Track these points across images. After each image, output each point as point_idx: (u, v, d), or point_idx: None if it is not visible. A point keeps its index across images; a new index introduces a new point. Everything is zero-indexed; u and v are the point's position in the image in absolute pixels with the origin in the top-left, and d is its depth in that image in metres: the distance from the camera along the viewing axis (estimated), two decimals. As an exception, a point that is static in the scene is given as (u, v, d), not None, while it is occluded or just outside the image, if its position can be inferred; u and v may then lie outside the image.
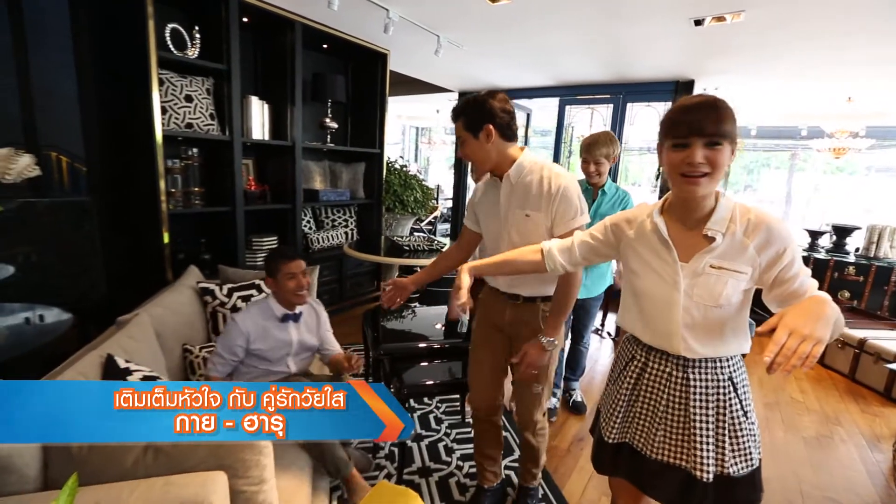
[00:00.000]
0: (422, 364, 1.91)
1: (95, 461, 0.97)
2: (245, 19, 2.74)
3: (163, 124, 2.25)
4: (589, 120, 5.01)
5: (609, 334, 3.65)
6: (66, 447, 0.95)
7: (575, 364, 2.47)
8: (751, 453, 1.00)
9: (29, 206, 2.01)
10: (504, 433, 1.87)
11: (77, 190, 2.26)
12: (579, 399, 2.46)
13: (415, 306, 2.55)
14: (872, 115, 5.00)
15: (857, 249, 4.02)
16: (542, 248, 1.19)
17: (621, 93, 4.25)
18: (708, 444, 0.98)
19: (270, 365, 1.70)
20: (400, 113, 8.46)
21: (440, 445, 2.04)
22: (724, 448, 0.98)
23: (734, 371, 1.00)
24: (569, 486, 1.86)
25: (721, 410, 0.98)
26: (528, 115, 5.50)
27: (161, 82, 2.31)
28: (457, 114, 1.36)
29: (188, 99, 2.45)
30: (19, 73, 2.01)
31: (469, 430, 2.16)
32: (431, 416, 2.26)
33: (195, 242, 2.70)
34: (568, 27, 2.83)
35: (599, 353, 3.31)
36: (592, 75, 4.08)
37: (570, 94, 4.60)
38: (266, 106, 2.91)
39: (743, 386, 1.01)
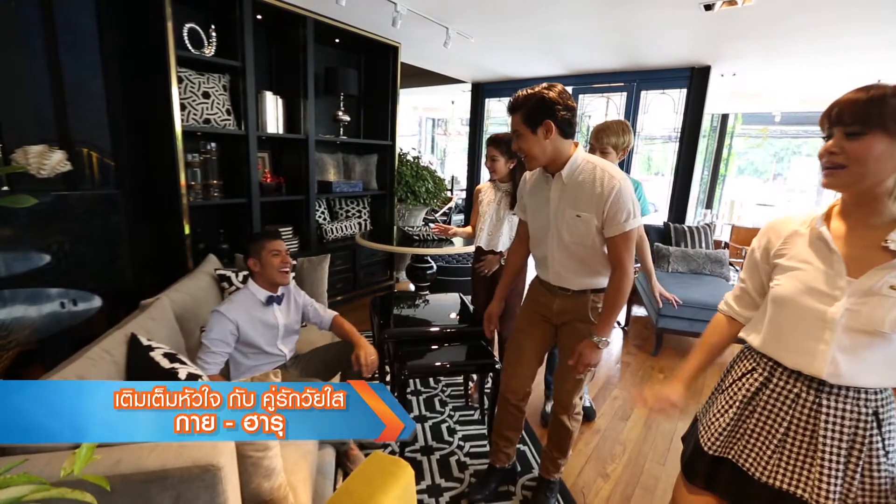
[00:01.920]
0: (425, 348, 1.98)
1: (118, 425, 1.07)
2: (259, 17, 2.84)
3: (182, 120, 2.37)
4: (604, 108, 4.95)
5: (619, 324, 3.66)
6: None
7: None
8: (887, 497, 0.89)
9: (62, 199, 2.16)
10: (523, 447, 1.94)
11: (106, 183, 2.41)
12: (588, 404, 2.33)
13: (426, 295, 2.62)
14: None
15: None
16: (723, 311, 1.12)
17: (635, 80, 4.20)
18: (835, 476, 0.88)
19: (263, 351, 1.73)
20: (416, 105, 8.52)
21: (443, 426, 2.12)
22: (853, 484, 0.88)
23: (881, 405, 0.88)
24: (589, 499, 1.78)
25: (857, 445, 0.88)
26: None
27: (180, 80, 2.43)
28: (515, 107, 1.32)
29: (206, 95, 2.57)
30: (51, 72, 2.16)
31: (472, 413, 2.24)
32: (436, 399, 2.34)
33: (214, 233, 2.84)
34: (575, 15, 2.82)
35: (613, 346, 3.32)
36: (604, 63, 4.05)
37: (583, 82, 4.57)
38: (280, 100, 3.02)
39: (889, 422, 0.89)
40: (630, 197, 1.30)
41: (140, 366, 1.33)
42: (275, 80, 3.19)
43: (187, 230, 2.47)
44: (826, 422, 0.89)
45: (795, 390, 0.93)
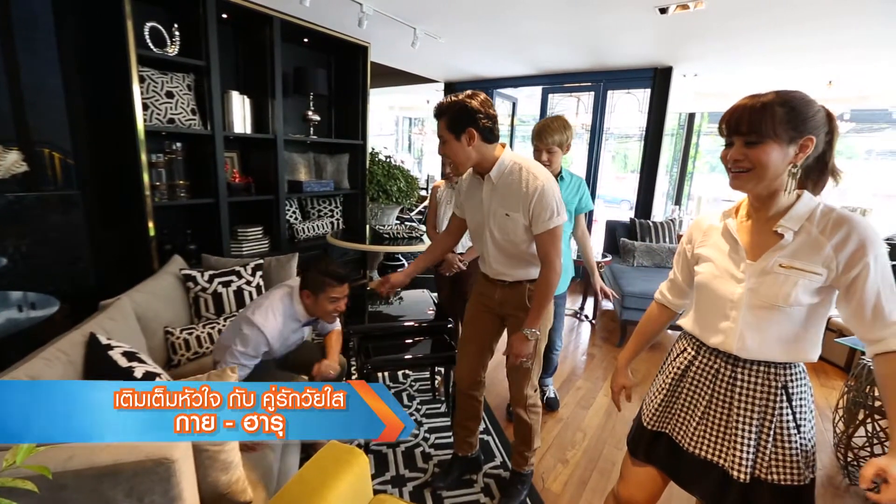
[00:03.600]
0: (389, 343, 2.02)
1: (71, 422, 1.09)
2: (224, 16, 2.82)
3: (145, 120, 2.35)
4: (575, 108, 5.07)
5: (586, 317, 3.77)
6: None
7: (547, 365, 2.35)
8: (800, 468, 0.95)
9: (19, 201, 2.12)
10: (487, 437, 2.01)
11: (67, 184, 2.37)
12: (552, 395, 2.42)
13: (399, 291, 2.65)
14: (855, 98, 5.05)
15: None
16: (658, 300, 1.23)
17: (601, 81, 4.31)
18: (748, 445, 0.96)
19: (266, 358, 1.70)
20: (392, 104, 8.52)
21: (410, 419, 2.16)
22: (765, 453, 0.96)
23: (791, 380, 0.95)
24: (548, 484, 1.84)
25: (768, 417, 0.95)
26: (514, 105, 5.56)
27: (142, 79, 2.40)
28: (439, 113, 1.37)
29: (169, 95, 2.55)
30: (7, 71, 2.11)
31: (439, 405, 2.29)
32: (404, 394, 2.39)
33: (181, 233, 2.82)
34: (539, 18, 2.90)
35: (579, 339, 3.42)
36: (572, 63, 4.14)
37: (553, 82, 4.66)
38: (247, 100, 3.00)
39: (800, 397, 0.96)
40: (553, 196, 1.37)
41: (98, 365, 1.33)
42: (242, 79, 3.18)
43: (152, 231, 2.44)
44: (740, 394, 0.98)
45: (716, 366, 1.02)
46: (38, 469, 0.65)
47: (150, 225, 2.43)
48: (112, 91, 2.33)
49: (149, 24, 2.42)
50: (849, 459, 1.93)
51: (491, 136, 1.38)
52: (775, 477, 0.95)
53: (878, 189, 6.94)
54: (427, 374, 2.58)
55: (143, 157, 2.34)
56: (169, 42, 2.53)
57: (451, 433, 2.07)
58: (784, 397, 0.95)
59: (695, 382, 1.06)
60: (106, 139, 2.42)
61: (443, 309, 2.30)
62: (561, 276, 2.16)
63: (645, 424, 1.15)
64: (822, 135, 0.89)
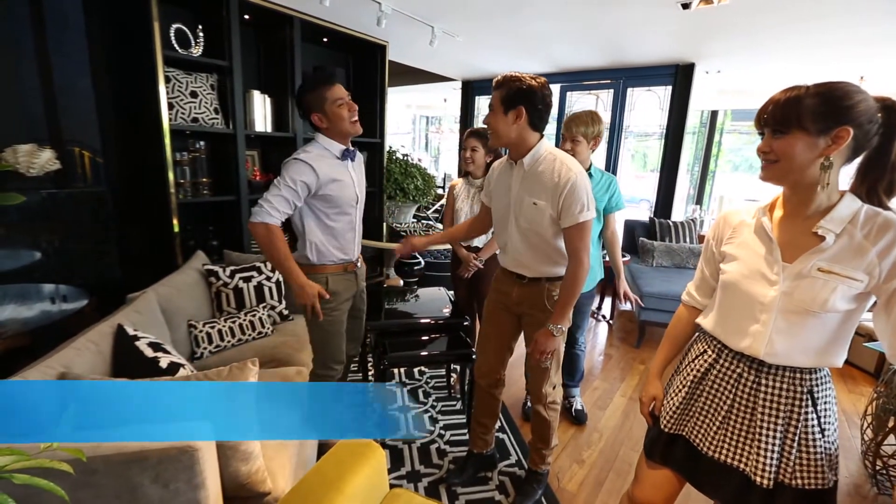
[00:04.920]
0: (406, 340, 2.04)
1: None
2: (246, 17, 2.88)
3: (170, 119, 2.41)
4: (594, 105, 5.01)
5: (604, 317, 3.72)
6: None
7: (573, 369, 2.27)
8: (824, 472, 0.93)
9: (52, 197, 2.21)
10: (502, 436, 2.00)
11: (96, 181, 2.46)
12: (580, 407, 2.29)
13: (416, 289, 2.67)
14: (889, 93, 4.86)
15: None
16: (686, 302, 1.18)
17: (621, 78, 4.25)
18: (771, 450, 0.94)
19: (344, 212, 1.63)
20: (409, 103, 8.55)
21: (426, 416, 2.18)
22: (789, 458, 0.94)
23: (816, 384, 0.93)
24: (563, 484, 1.82)
25: (793, 422, 0.93)
26: (532, 102, 5.51)
27: (168, 79, 2.47)
28: (499, 84, 1.36)
29: (193, 95, 2.61)
30: (41, 72, 2.20)
31: (454, 403, 2.30)
32: (420, 391, 2.40)
33: (204, 230, 2.88)
34: (557, 15, 2.87)
35: (596, 339, 3.38)
36: (590, 61, 4.10)
37: (571, 80, 4.62)
38: (268, 99, 3.06)
39: (825, 401, 0.94)
40: (585, 190, 1.36)
41: (125, 355, 1.38)
42: (263, 79, 3.23)
43: (176, 227, 2.51)
44: (764, 399, 0.95)
45: (738, 370, 0.99)
46: (73, 452, 0.68)
47: (175, 221, 2.50)
48: (139, 91, 2.40)
49: (174, 26, 2.49)
50: (877, 468, 1.87)
51: (539, 122, 1.38)
52: (800, 482, 0.93)
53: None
54: (443, 372, 2.59)
55: (168, 156, 2.40)
56: (193, 43, 2.59)
57: (466, 430, 2.07)
58: (809, 402, 0.93)
59: (715, 386, 1.03)
60: (133, 138, 2.49)
61: (459, 307, 2.31)
62: (588, 275, 2.14)
63: (662, 427, 1.13)
64: (869, 126, 0.82)
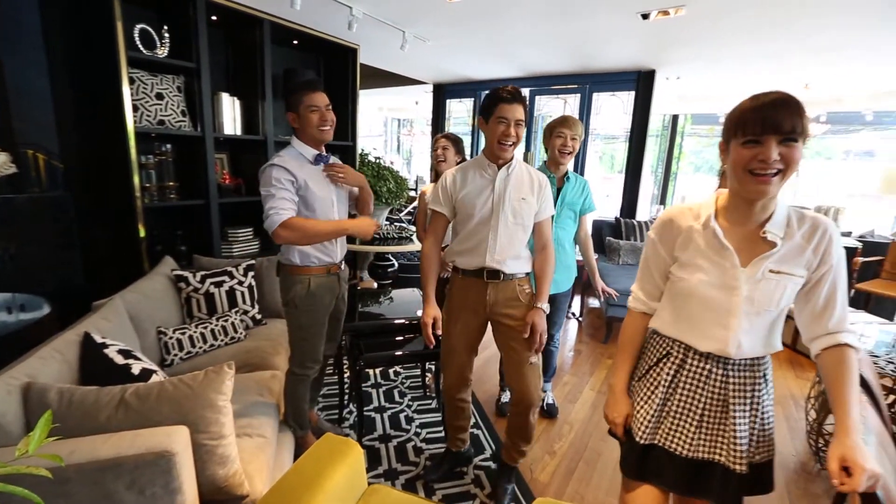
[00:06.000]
0: (380, 340, 2.06)
1: (73, 417, 1.12)
2: (213, 18, 2.83)
3: (135, 121, 2.35)
4: (561, 109, 5.16)
5: (574, 314, 3.85)
6: (45, 404, 1.10)
7: (546, 365, 2.29)
8: (773, 443, 1.04)
9: (8, 202, 2.12)
10: (476, 431, 2.05)
11: (54, 185, 2.37)
12: (551, 401, 2.36)
13: (390, 290, 2.69)
14: (830, 101, 5.22)
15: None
16: (634, 309, 1.17)
17: (587, 83, 4.40)
18: (744, 437, 1.00)
19: (320, 213, 1.65)
20: (381, 105, 8.54)
21: (401, 416, 2.21)
22: (755, 439, 1.01)
23: (767, 367, 1.03)
24: (536, 475, 1.87)
25: (755, 404, 1.01)
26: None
27: (132, 81, 2.41)
28: (522, 99, 1.50)
29: (159, 97, 2.56)
30: (-7, 73, 2.11)
31: (430, 402, 2.34)
32: (395, 391, 2.43)
33: (172, 235, 2.81)
34: (524, 22, 2.96)
35: (567, 336, 3.49)
36: (558, 66, 4.23)
37: (540, 84, 4.74)
38: (237, 102, 3.02)
39: (771, 380, 1.04)
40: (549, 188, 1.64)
41: (94, 363, 1.36)
42: (232, 81, 3.19)
43: (142, 232, 2.45)
44: (734, 391, 1.00)
45: (707, 367, 1.02)
46: (50, 458, 0.68)
47: (141, 226, 2.44)
48: (102, 93, 2.33)
49: (138, 26, 2.43)
50: (820, 445, 2.03)
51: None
52: (759, 457, 1.02)
53: (854, 189, 7.16)
54: (418, 372, 2.63)
55: (133, 159, 2.34)
56: (158, 44, 2.54)
57: (441, 428, 2.12)
58: (764, 383, 1.02)
59: (688, 387, 1.04)
60: (96, 141, 2.42)
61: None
62: (563, 273, 2.18)
63: (637, 440, 1.09)
64: None
